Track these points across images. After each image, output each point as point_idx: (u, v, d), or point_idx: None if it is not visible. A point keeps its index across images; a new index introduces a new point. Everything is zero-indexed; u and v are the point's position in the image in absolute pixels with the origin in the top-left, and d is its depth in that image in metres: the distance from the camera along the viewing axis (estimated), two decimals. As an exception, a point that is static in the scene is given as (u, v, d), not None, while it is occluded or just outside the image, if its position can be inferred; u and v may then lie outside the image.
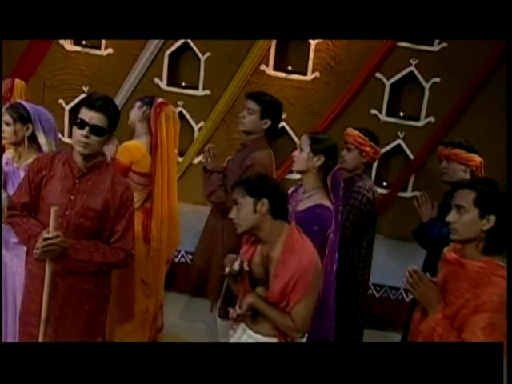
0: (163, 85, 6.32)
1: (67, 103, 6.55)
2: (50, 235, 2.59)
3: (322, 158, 3.12)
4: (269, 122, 3.66)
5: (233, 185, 2.78)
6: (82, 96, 6.42)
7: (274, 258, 2.65)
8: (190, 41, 6.16)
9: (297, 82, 6.11)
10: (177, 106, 6.32)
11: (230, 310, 2.76)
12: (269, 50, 6.06)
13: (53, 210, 2.58)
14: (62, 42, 6.41)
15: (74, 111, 2.82)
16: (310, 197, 3.11)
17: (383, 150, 6.08)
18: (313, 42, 5.97)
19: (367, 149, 3.80)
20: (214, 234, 3.81)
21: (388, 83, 5.94)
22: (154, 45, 6.15)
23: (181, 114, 6.35)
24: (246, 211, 2.63)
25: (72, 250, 2.68)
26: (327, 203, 3.06)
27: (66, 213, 2.73)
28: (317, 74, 6.06)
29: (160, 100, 3.92)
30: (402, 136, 6.01)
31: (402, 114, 6.04)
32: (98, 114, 2.65)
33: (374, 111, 6.02)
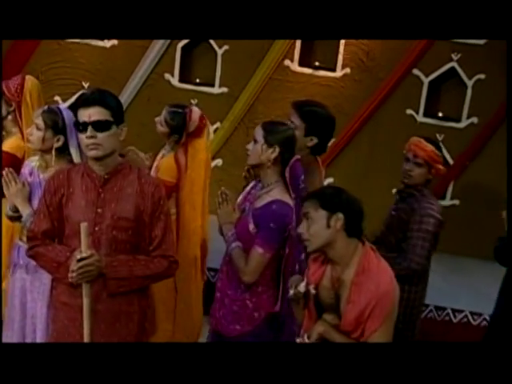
0: (175, 81, 5.72)
1: (64, 100, 5.76)
2: (84, 255, 2.38)
3: (278, 150, 2.87)
4: (314, 140, 3.18)
5: (304, 197, 2.57)
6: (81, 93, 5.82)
7: (347, 281, 2.45)
8: (205, 32, 5.56)
9: (324, 79, 5.58)
10: (190, 104, 5.74)
11: (298, 340, 2.55)
12: (294, 43, 5.50)
13: (82, 226, 2.36)
14: (58, 32, 5.75)
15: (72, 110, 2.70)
16: (267, 192, 2.92)
17: (419, 154, 5.64)
18: (343, 35, 5.43)
19: (440, 167, 3.45)
20: None
21: (426, 81, 5.46)
22: (164, 36, 5.53)
23: (194, 113, 5.81)
24: (319, 226, 2.43)
25: (110, 268, 2.46)
26: (286, 198, 2.87)
27: (96, 228, 2.50)
28: (347, 70, 5.53)
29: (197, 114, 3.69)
30: (440, 138, 5.50)
31: (441, 114, 5.58)
32: (95, 109, 2.44)
33: (410, 111, 5.54)
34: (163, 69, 5.70)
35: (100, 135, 2.43)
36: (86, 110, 2.44)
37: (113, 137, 2.47)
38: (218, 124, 5.73)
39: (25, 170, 3.11)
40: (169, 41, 5.58)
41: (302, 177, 2.95)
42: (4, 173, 2.99)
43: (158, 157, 3.83)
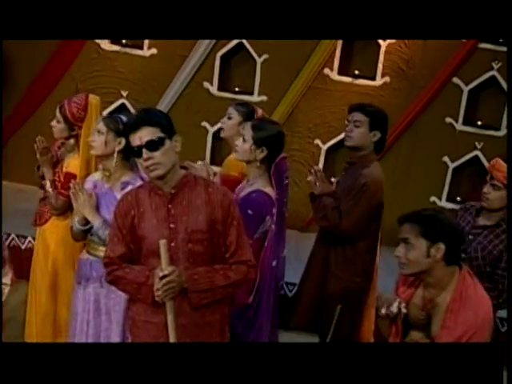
0: (213, 89, 5.75)
1: (103, 109, 5.90)
2: (166, 272, 2.34)
3: (265, 151, 2.96)
4: (378, 135, 3.35)
5: (402, 218, 2.49)
6: (120, 102, 5.86)
7: (441, 304, 2.42)
8: (245, 41, 5.59)
9: (364, 88, 5.60)
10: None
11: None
12: (333, 52, 5.53)
13: (161, 243, 2.34)
14: (98, 40, 5.78)
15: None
16: (251, 184, 3.02)
17: (458, 162, 5.65)
18: (383, 44, 5.47)
19: None
20: (324, 263, 3.46)
21: (466, 89, 5.46)
22: (204, 45, 5.57)
23: (232, 121, 5.82)
24: (418, 254, 2.39)
25: (191, 281, 2.42)
26: (267, 190, 2.96)
27: (172, 244, 2.45)
28: (387, 78, 5.55)
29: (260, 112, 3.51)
30: (479, 147, 5.52)
31: (480, 122, 5.56)
32: (144, 130, 2.38)
33: (449, 120, 5.54)
34: (202, 77, 5.73)
35: (156, 154, 2.38)
36: (136, 133, 2.40)
37: (169, 151, 2.41)
38: (256, 132, 5.74)
39: (88, 185, 3.12)
40: (208, 50, 5.61)
41: (286, 173, 3.06)
42: (71, 185, 3.02)
43: None
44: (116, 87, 5.84)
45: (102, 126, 3.02)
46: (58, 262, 3.65)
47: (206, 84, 5.74)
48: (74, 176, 3.51)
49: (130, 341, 2.72)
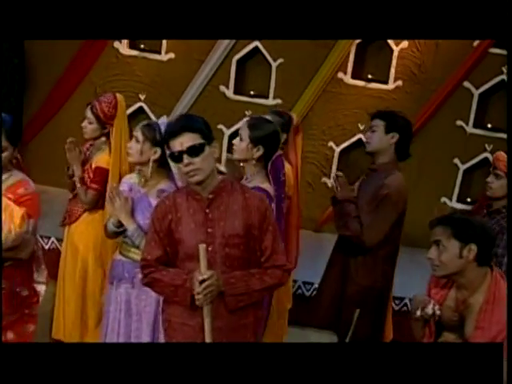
0: (229, 93, 5.88)
1: (121, 112, 6.05)
2: (205, 276, 2.38)
3: (262, 149, 3.03)
4: (396, 136, 3.34)
5: (434, 221, 2.57)
6: (138, 105, 5.98)
7: (474, 305, 2.46)
8: (260, 46, 5.72)
9: (377, 91, 5.72)
10: (244, 115, 5.89)
11: None
12: (347, 56, 5.65)
13: (201, 247, 2.38)
14: (116, 45, 5.93)
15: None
16: (250, 181, 3.05)
17: (469, 164, 5.77)
18: (396, 49, 5.59)
19: None
20: (343, 267, 3.47)
21: (476, 93, 5.58)
22: (221, 50, 5.70)
23: (248, 124, 5.95)
24: (451, 255, 2.46)
25: (228, 285, 2.45)
26: (265, 186, 3.01)
27: (209, 248, 2.47)
28: (399, 82, 5.67)
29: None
30: (489, 149, 5.64)
31: (489, 125, 5.67)
32: (184, 136, 2.43)
33: (460, 122, 5.66)
34: (218, 81, 5.85)
35: (196, 160, 2.41)
36: (176, 139, 2.42)
37: (208, 157, 2.45)
38: (271, 134, 5.87)
39: (124, 188, 3.13)
40: (225, 54, 5.73)
41: (283, 170, 3.12)
42: (108, 189, 3.08)
43: None
44: (134, 91, 5.96)
45: (139, 135, 3.03)
46: (87, 262, 3.78)
47: (222, 87, 5.86)
48: (103, 170, 3.63)
49: (162, 341, 2.80)
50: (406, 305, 4.51)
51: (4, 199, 2.64)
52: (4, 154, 2.63)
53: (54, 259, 4.13)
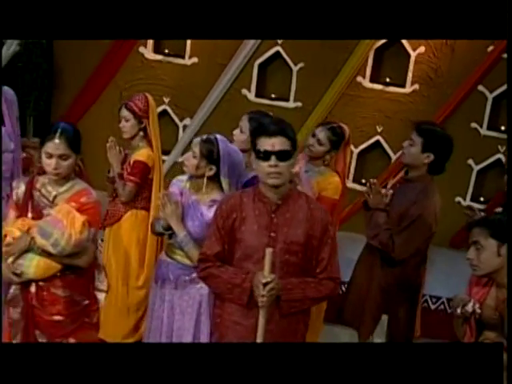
0: (251, 96, 6.08)
1: (145, 115, 6.23)
2: (268, 279, 2.44)
3: None
4: (431, 157, 3.29)
5: (472, 223, 2.70)
6: (162, 108, 6.15)
7: None
8: (281, 50, 5.91)
9: (394, 95, 5.91)
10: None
11: None
12: (366, 60, 5.84)
13: (268, 251, 2.43)
14: (142, 50, 6.12)
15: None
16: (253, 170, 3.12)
17: (482, 165, 5.96)
18: (413, 54, 5.77)
19: None
20: (370, 270, 3.53)
21: (490, 96, 5.76)
22: (243, 54, 5.89)
23: (269, 126, 6.13)
24: (489, 254, 2.55)
25: (285, 290, 2.51)
26: None
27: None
28: (416, 86, 5.85)
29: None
30: (502, 150, 5.82)
31: (503, 127, 5.83)
32: (278, 139, 2.46)
33: (474, 125, 5.83)
34: (241, 84, 6.04)
35: (282, 164, 2.45)
36: (269, 139, 2.45)
37: (291, 166, 2.52)
38: (291, 136, 6.06)
39: (174, 190, 3.13)
40: (247, 58, 5.92)
41: None
42: (161, 195, 3.10)
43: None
44: (158, 94, 6.11)
45: (196, 150, 3.01)
46: (130, 262, 3.93)
47: (244, 91, 6.05)
48: (142, 163, 3.79)
49: (212, 339, 2.83)
50: (443, 303, 4.71)
51: (67, 206, 2.68)
52: (67, 163, 2.68)
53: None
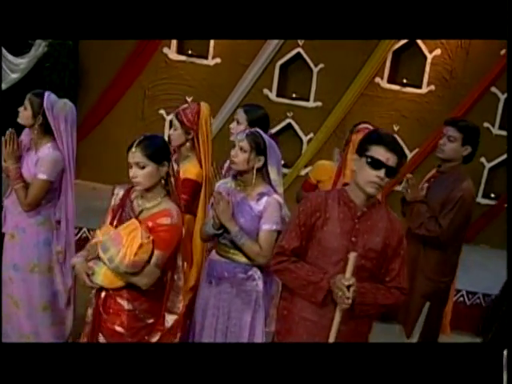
0: (272, 96, 6.26)
1: (168, 113, 6.40)
2: (351, 282, 2.48)
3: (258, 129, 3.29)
4: (469, 149, 3.61)
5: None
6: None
7: None
8: (302, 52, 6.11)
9: (411, 95, 6.15)
10: (286, 117, 6.30)
11: None
12: (384, 62, 6.06)
13: (352, 255, 2.48)
14: (165, 50, 6.27)
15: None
16: None
17: (494, 162, 6.24)
18: (429, 56, 6.00)
19: None
20: (414, 260, 3.65)
21: (503, 97, 6.02)
22: (265, 55, 6.08)
23: (289, 125, 6.35)
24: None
25: (359, 294, 2.54)
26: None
27: (348, 256, 2.55)
28: (432, 87, 6.10)
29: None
30: (513, 149, 6.09)
31: (514, 127, 6.11)
32: (394, 157, 2.50)
33: (486, 124, 6.10)
34: (262, 84, 6.23)
35: (386, 180, 2.52)
36: (386, 152, 2.49)
37: (390, 182, 2.60)
38: (311, 135, 6.28)
39: (219, 188, 3.18)
40: (269, 59, 6.11)
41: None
42: (215, 193, 3.16)
43: None
44: (181, 94, 6.30)
45: (245, 144, 3.08)
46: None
47: (266, 90, 6.25)
48: (192, 181, 3.65)
49: (276, 328, 2.87)
50: (462, 296, 4.93)
51: (135, 223, 2.59)
52: (144, 171, 2.60)
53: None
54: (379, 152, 2.49)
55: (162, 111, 6.40)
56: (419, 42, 6.01)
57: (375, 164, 2.49)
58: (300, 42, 6.10)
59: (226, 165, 3.67)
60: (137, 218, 2.64)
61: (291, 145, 6.31)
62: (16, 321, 3.48)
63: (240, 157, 3.12)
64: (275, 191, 3.15)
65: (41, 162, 3.33)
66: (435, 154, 3.74)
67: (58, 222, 3.49)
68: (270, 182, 3.18)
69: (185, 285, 4.01)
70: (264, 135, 3.16)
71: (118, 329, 2.66)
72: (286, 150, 6.24)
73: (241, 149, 3.12)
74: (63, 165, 3.40)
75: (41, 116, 3.34)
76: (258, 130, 3.22)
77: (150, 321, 2.71)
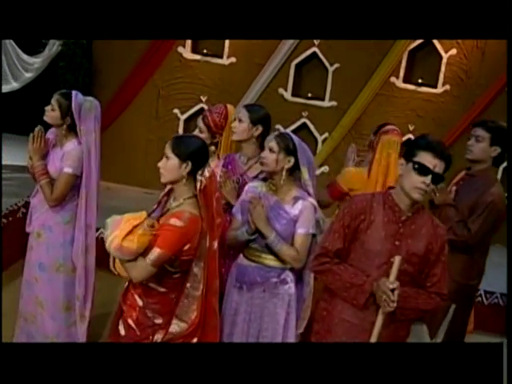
0: (287, 95, 6.26)
1: (182, 113, 6.40)
2: (395, 285, 2.49)
3: (260, 128, 3.30)
4: (498, 150, 3.55)
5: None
6: (199, 106, 6.29)
7: None
8: (318, 51, 6.10)
9: (426, 95, 6.15)
10: (301, 116, 6.29)
11: None
12: (399, 62, 6.06)
13: (397, 258, 2.49)
14: (180, 49, 6.25)
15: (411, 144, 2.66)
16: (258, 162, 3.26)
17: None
18: (445, 56, 6.01)
19: None
20: None
21: (518, 97, 6.02)
22: (281, 54, 6.07)
23: (304, 124, 6.34)
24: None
25: (401, 298, 2.54)
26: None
27: (392, 259, 2.57)
28: (447, 87, 6.10)
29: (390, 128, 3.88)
30: (529, 148, 6.11)
31: (529, 127, 6.12)
32: (442, 163, 2.50)
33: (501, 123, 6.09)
34: (277, 84, 6.22)
35: (431, 186, 2.52)
36: (434, 158, 2.48)
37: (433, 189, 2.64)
38: (326, 134, 6.27)
39: (250, 189, 3.17)
40: (284, 59, 6.10)
41: None
42: (251, 198, 3.11)
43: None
44: (196, 93, 6.29)
45: (274, 145, 3.08)
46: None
47: (281, 90, 6.23)
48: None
49: (314, 328, 2.87)
50: (496, 297, 4.97)
51: (140, 214, 2.55)
52: (168, 163, 2.60)
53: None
54: (426, 158, 2.48)
55: (176, 110, 6.37)
56: (435, 41, 6.01)
57: (422, 170, 2.49)
58: (316, 42, 6.09)
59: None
60: (162, 214, 2.64)
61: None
62: (40, 321, 3.48)
63: (269, 157, 3.11)
64: (308, 193, 3.11)
65: (66, 156, 3.34)
66: (464, 156, 3.65)
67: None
68: (301, 185, 3.14)
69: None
70: (294, 136, 3.13)
71: (131, 322, 2.66)
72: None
73: (270, 150, 3.11)
74: (86, 162, 3.37)
75: (69, 118, 3.33)
76: (289, 132, 3.20)
77: (158, 321, 2.65)
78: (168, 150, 2.58)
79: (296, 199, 3.09)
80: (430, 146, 2.51)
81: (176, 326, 2.64)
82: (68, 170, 3.33)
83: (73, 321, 3.58)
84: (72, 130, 3.38)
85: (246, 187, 3.30)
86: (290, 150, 3.08)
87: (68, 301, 3.51)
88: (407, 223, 2.61)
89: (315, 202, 3.10)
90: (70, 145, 3.37)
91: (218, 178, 3.23)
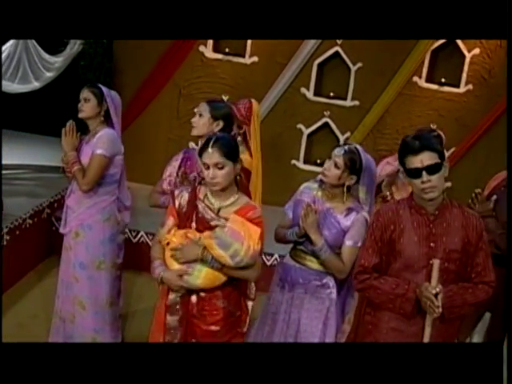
0: (310, 94, 6.23)
1: (203, 112, 6.35)
2: (438, 289, 2.50)
3: (221, 124, 3.28)
4: None
5: None
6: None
7: None
8: (340, 51, 6.08)
9: (449, 95, 6.14)
10: (323, 116, 6.27)
11: None
12: (422, 61, 6.05)
13: (435, 262, 2.52)
14: (202, 49, 6.22)
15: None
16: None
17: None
18: (468, 55, 5.99)
19: None
20: None
21: (541, 97, 6.01)
22: (303, 54, 6.05)
23: (326, 124, 6.32)
24: None
25: (446, 298, 2.55)
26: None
27: (431, 262, 2.58)
28: (470, 86, 6.09)
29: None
30: (550, 148, 6.10)
31: (551, 126, 6.12)
32: (424, 154, 2.49)
33: (524, 124, 6.09)
34: (300, 83, 6.19)
35: (433, 177, 2.49)
36: (416, 156, 2.49)
37: (442, 177, 2.54)
38: (348, 134, 6.25)
39: (305, 198, 3.18)
40: (307, 58, 6.07)
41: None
42: (305, 205, 3.10)
43: None
44: (217, 92, 6.22)
45: (340, 161, 3.04)
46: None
47: (303, 89, 6.21)
48: (248, 172, 3.71)
49: (330, 341, 2.97)
50: None
51: (239, 218, 2.63)
52: (223, 171, 2.61)
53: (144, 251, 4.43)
54: (410, 161, 2.52)
55: (196, 110, 6.33)
56: (458, 41, 5.99)
57: (414, 174, 2.52)
58: (338, 41, 6.06)
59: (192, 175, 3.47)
60: (217, 215, 2.67)
61: (328, 144, 6.27)
62: (80, 320, 3.51)
63: (332, 172, 3.10)
64: (362, 207, 3.13)
65: (98, 139, 3.43)
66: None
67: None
68: (358, 197, 3.16)
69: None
70: (362, 155, 3.10)
71: (214, 328, 2.71)
72: (322, 149, 6.26)
73: (335, 164, 3.08)
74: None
75: (105, 102, 3.47)
76: (358, 147, 3.16)
77: (239, 313, 2.80)
78: (219, 159, 2.61)
79: (350, 210, 3.10)
80: (407, 148, 2.55)
81: (249, 306, 2.87)
82: (100, 151, 3.39)
83: (117, 315, 3.69)
84: (104, 121, 3.50)
85: (302, 187, 3.33)
86: (355, 168, 3.06)
87: (111, 296, 3.59)
88: (437, 222, 2.61)
89: (368, 216, 3.08)
90: (102, 131, 3.46)
91: (175, 173, 3.33)
